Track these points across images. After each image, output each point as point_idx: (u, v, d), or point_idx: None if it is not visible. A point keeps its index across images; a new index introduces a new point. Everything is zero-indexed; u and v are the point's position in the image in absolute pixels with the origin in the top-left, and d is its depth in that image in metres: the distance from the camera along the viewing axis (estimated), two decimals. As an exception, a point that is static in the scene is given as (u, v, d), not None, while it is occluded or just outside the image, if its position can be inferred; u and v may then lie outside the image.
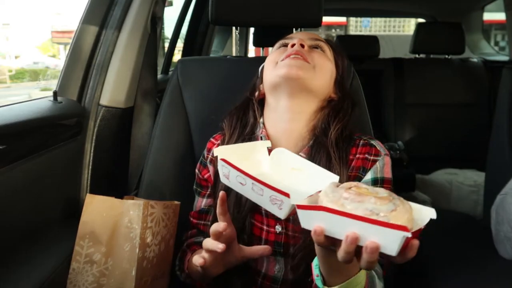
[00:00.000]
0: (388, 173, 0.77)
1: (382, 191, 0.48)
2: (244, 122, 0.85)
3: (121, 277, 0.77)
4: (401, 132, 2.32)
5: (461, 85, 2.30)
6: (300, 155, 0.76)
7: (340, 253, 0.46)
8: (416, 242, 0.44)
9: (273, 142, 0.81)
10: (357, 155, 0.78)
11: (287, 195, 0.51)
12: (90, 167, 1.08)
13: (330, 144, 0.76)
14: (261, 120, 0.84)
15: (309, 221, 0.47)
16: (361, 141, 0.80)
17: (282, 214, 0.53)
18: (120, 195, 0.87)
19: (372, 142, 0.80)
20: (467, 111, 2.29)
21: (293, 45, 0.80)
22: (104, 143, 1.11)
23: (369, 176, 0.76)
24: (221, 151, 0.64)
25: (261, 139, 0.80)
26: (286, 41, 0.85)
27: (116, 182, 1.19)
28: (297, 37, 0.83)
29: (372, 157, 0.77)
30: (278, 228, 0.77)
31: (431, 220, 0.46)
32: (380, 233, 0.41)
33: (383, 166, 0.77)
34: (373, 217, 0.43)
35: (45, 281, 0.76)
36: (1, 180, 0.77)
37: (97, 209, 0.79)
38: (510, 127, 1.05)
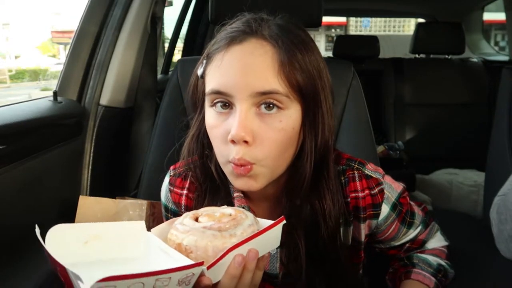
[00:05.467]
0: (398, 187, 0.69)
1: (216, 209, 0.51)
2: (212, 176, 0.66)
3: (121, 277, 0.77)
4: (401, 132, 2.32)
5: (461, 85, 2.30)
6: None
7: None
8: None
9: (253, 204, 0.68)
10: (361, 193, 0.66)
11: (200, 263, 0.43)
12: (90, 167, 1.08)
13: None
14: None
15: (222, 269, 0.46)
16: (355, 172, 0.67)
17: None
18: (120, 195, 0.88)
19: (366, 172, 0.67)
20: (467, 111, 2.29)
21: (233, 141, 0.55)
22: (104, 143, 1.11)
23: (386, 208, 0.67)
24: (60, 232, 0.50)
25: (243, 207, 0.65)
26: (224, 99, 0.57)
27: (116, 182, 1.19)
28: (236, 94, 0.55)
29: (377, 189, 0.66)
30: None
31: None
32: (265, 236, 0.46)
33: (390, 186, 0.68)
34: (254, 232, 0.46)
35: (45, 282, 0.75)
36: (1, 180, 0.78)
37: (91, 211, 0.79)
38: (510, 127, 1.04)
